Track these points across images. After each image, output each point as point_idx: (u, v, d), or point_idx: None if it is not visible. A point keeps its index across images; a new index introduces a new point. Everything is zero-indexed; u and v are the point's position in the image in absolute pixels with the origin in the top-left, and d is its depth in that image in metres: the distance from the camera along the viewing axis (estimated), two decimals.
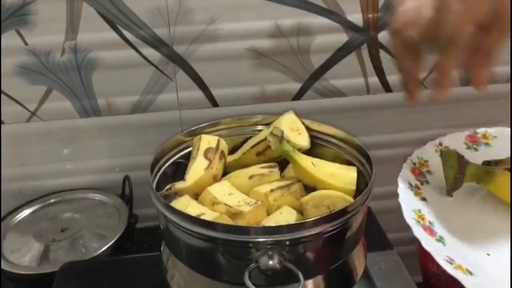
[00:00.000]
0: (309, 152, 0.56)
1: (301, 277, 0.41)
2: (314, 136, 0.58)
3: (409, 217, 0.45)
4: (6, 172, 0.75)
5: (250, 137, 0.60)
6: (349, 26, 0.71)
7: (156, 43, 0.69)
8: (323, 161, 0.54)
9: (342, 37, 0.72)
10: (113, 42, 0.68)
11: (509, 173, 0.52)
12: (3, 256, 0.63)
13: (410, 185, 0.51)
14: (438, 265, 0.44)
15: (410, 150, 0.60)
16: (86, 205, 0.73)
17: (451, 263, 0.42)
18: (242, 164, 0.57)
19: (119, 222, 0.68)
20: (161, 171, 0.54)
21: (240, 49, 0.71)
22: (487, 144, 0.60)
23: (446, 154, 0.54)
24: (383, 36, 0.72)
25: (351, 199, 0.49)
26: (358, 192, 0.50)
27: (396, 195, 0.52)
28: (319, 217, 0.42)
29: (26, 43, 0.67)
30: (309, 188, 0.52)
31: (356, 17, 0.71)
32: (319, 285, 0.46)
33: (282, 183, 0.52)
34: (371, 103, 0.77)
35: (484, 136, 0.61)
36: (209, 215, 0.47)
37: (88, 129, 0.74)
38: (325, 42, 0.72)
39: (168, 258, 0.49)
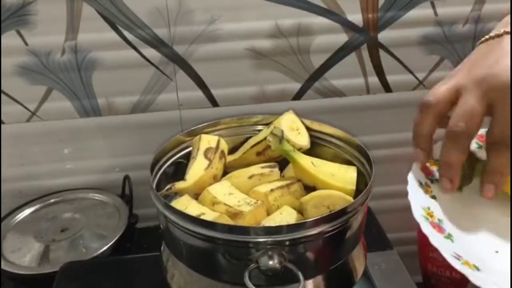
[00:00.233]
0: (309, 152, 0.56)
1: (301, 277, 0.41)
2: (314, 136, 0.58)
3: (418, 214, 0.45)
4: (6, 172, 0.75)
5: (250, 137, 0.60)
6: (349, 26, 0.71)
7: (156, 43, 0.69)
8: (323, 161, 0.54)
9: (342, 37, 0.72)
10: (113, 42, 0.68)
11: None
12: (3, 256, 0.63)
13: (420, 183, 0.51)
14: (438, 266, 0.44)
15: (410, 150, 0.60)
16: (86, 205, 0.73)
17: (458, 259, 0.42)
18: (242, 164, 0.57)
19: (119, 222, 0.68)
20: (161, 171, 0.54)
21: (240, 49, 0.71)
22: None
23: None
24: (383, 36, 0.72)
25: (351, 199, 0.49)
26: (358, 192, 0.50)
27: (396, 195, 0.52)
28: (319, 217, 0.42)
29: (26, 43, 0.67)
30: (309, 188, 0.52)
31: (356, 17, 0.71)
32: (319, 285, 0.46)
33: (282, 183, 0.52)
34: (371, 103, 0.77)
35: None
36: (209, 215, 0.47)
37: (88, 129, 0.74)
38: (325, 42, 0.72)
39: (168, 258, 0.49)
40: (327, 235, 0.43)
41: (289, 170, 0.57)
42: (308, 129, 0.58)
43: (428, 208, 0.48)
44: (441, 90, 0.43)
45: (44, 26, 0.67)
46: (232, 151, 0.60)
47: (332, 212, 0.44)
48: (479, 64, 0.42)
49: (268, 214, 0.50)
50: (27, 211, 0.72)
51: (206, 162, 0.54)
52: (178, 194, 0.53)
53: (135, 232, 0.72)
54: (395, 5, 0.70)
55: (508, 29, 0.43)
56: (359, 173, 0.52)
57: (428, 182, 0.51)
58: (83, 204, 0.73)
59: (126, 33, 0.68)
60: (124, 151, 0.76)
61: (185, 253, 0.47)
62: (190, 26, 0.68)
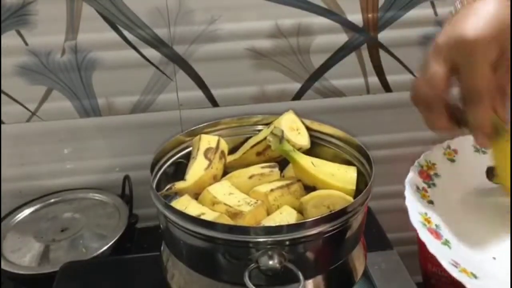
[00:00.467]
0: (309, 152, 0.56)
1: (301, 277, 0.41)
2: (314, 136, 0.58)
3: (415, 220, 0.45)
4: (6, 172, 0.75)
5: (250, 137, 0.60)
6: (349, 26, 0.71)
7: (156, 43, 0.69)
8: (323, 161, 0.54)
9: (342, 37, 0.72)
10: (113, 42, 0.68)
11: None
12: (3, 256, 0.63)
13: (417, 188, 0.50)
14: (438, 266, 0.44)
15: (410, 150, 0.60)
16: (86, 205, 0.73)
17: (456, 267, 0.42)
18: (242, 164, 0.57)
19: (119, 222, 0.68)
20: (161, 171, 0.54)
21: (240, 49, 0.71)
22: None
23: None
24: (383, 36, 0.72)
25: (351, 199, 0.49)
26: (358, 192, 0.50)
27: (396, 195, 0.52)
28: (319, 217, 0.42)
29: (26, 43, 0.67)
30: (309, 188, 0.52)
31: (356, 17, 0.71)
32: (319, 285, 0.46)
33: (282, 183, 0.52)
34: (371, 103, 0.77)
35: None
36: (209, 215, 0.47)
37: (88, 129, 0.74)
38: (325, 42, 0.72)
39: (168, 258, 0.49)
40: (327, 235, 0.43)
41: (289, 170, 0.57)
42: (308, 129, 0.58)
43: (425, 214, 0.48)
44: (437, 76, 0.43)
45: (44, 26, 0.67)
46: (232, 151, 0.60)
47: (332, 212, 0.44)
48: (445, 32, 0.42)
49: (268, 214, 0.50)
50: (27, 211, 0.72)
51: (206, 162, 0.54)
52: (178, 194, 0.53)
53: (135, 232, 0.72)
54: (395, 5, 0.70)
55: None
56: (359, 173, 0.52)
57: (426, 187, 0.51)
58: (83, 204, 0.73)
59: (126, 33, 0.68)
60: (124, 151, 0.76)
61: (185, 253, 0.47)
62: (190, 26, 0.68)
